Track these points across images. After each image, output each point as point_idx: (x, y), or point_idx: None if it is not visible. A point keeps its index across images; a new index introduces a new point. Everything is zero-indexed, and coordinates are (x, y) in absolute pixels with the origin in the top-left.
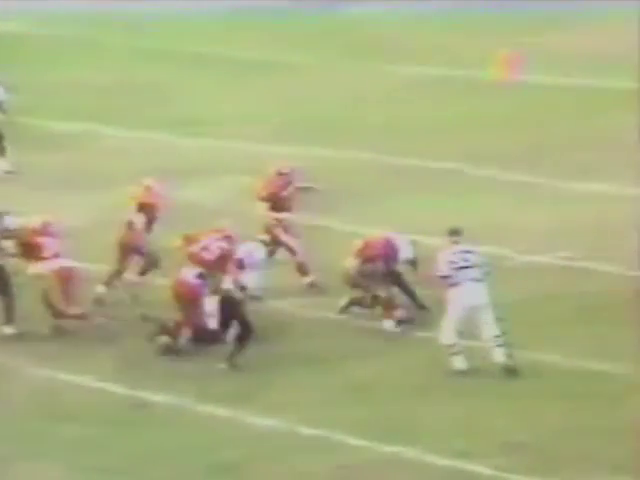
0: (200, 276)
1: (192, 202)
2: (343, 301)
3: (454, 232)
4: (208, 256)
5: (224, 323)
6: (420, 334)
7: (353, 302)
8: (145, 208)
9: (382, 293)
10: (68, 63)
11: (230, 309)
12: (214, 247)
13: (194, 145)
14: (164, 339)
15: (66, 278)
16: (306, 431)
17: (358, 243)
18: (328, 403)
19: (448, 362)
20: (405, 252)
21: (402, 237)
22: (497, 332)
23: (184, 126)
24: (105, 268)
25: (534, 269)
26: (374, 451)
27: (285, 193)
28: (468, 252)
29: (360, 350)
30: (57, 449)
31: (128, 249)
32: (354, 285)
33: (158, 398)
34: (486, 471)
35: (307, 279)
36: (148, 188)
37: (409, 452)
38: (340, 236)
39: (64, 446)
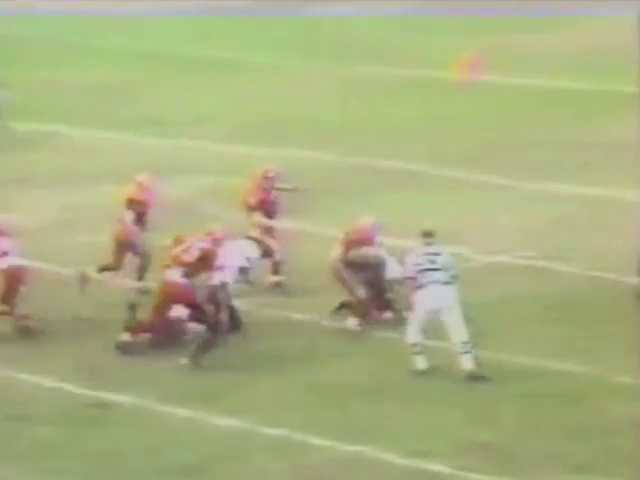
0: (186, 275)
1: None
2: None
3: (427, 234)
4: (187, 258)
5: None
6: (382, 334)
7: (344, 305)
8: (135, 205)
9: (359, 292)
10: (34, 63)
11: (217, 304)
12: (194, 249)
13: (159, 145)
14: (125, 337)
15: (14, 277)
16: (267, 431)
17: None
18: (290, 403)
19: (411, 362)
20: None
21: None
22: (465, 338)
23: (149, 126)
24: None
25: (496, 269)
26: (335, 451)
27: (272, 197)
28: (435, 254)
29: (323, 351)
30: (18, 451)
31: (121, 246)
32: (338, 278)
33: (119, 398)
34: (445, 470)
35: (275, 278)
36: (140, 184)
37: (369, 452)
38: (298, 235)
39: (25, 447)
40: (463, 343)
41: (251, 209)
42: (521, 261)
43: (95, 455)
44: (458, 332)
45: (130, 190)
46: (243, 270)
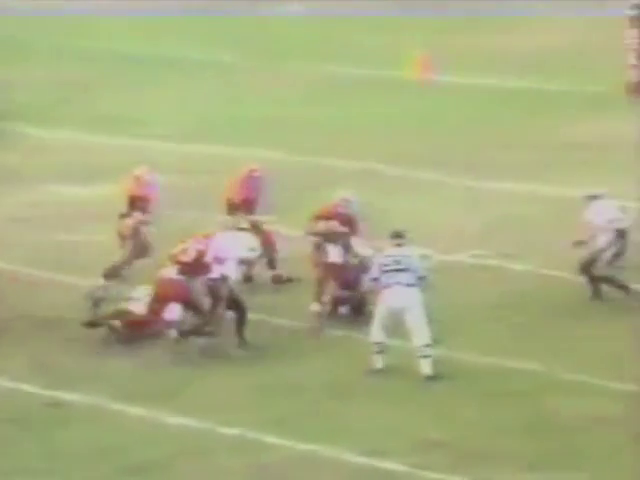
0: (181, 273)
1: (108, 200)
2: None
3: (397, 235)
4: (184, 258)
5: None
6: (340, 333)
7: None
8: (135, 199)
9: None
10: None
11: (218, 297)
12: (192, 250)
13: (117, 143)
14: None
15: None
16: (223, 430)
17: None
18: (245, 402)
19: (369, 361)
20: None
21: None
22: (426, 341)
23: (107, 124)
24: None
25: (448, 268)
26: (292, 450)
27: (256, 196)
28: (401, 256)
29: (279, 349)
30: None
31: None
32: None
33: (75, 397)
34: (401, 468)
35: (271, 272)
36: (138, 179)
37: (326, 450)
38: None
39: None
40: (423, 346)
41: (235, 207)
42: (475, 260)
43: (51, 454)
44: (419, 335)
45: (128, 186)
46: (244, 262)
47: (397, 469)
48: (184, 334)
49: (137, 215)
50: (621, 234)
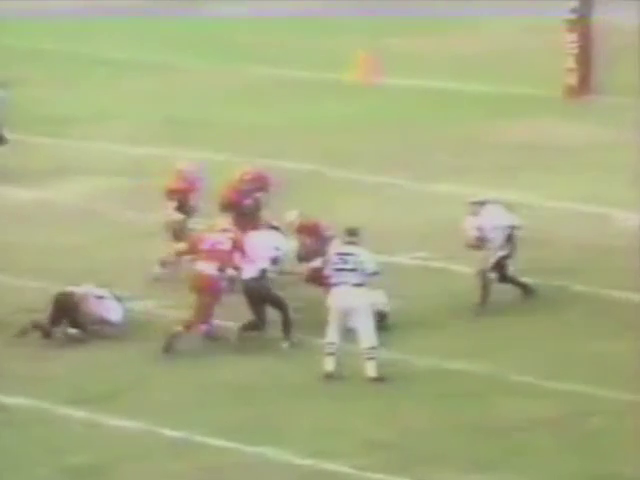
0: (220, 270)
1: (48, 202)
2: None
3: (350, 232)
4: (224, 247)
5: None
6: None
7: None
8: (175, 193)
9: None
10: None
11: (255, 297)
12: (224, 239)
13: (63, 144)
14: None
15: None
16: (169, 433)
17: None
18: (190, 404)
19: (321, 363)
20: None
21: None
22: (372, 343)
23: (53, 125)
24: None
25: (392, 269)
26: (237, 452)
27: (249, 201)
28: (349, 254)
29: (224, 351)
30: None
31: (174, 232)
32: None
33: (17, 401)
34: (347, 470)
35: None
36: (179, 172)
37: (271, 453)
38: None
39: None
40: (369, 349)
41: (224, 209)
42: (419, 262)
43: None
44: (365, 336)
45: (170, 179)
46: (275, 260)
47: (342, 471)
48: (245, 329)
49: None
50: (511, 237)
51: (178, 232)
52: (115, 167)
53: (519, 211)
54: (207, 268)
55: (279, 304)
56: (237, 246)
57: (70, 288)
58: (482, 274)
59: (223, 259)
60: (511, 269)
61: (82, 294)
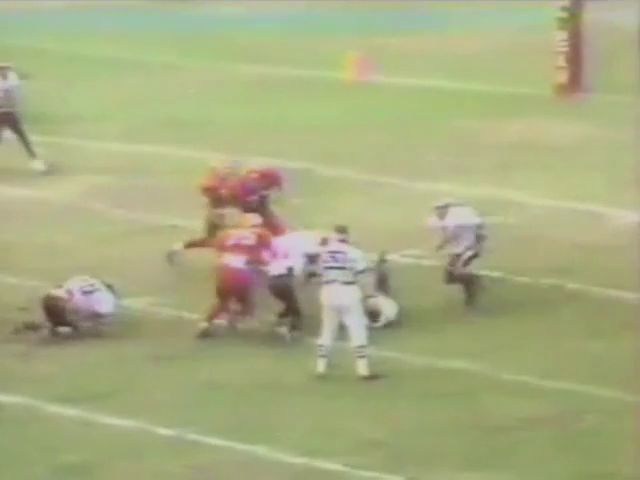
0: (248, 263)
1: (44, 200)
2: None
3: (339, 230)
4: (249, 242)
5: None
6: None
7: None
8: (209, 190)
9: None
10: None
11: (280, 294)
12: (250, 234)
13: (59, 143)
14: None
15: None
16: (161, 431)
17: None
18: (183, 403)
19: (312, 363)
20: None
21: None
22: (362, 341)
23: (49, 124)
24: None
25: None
26: (229, 451)
27: (253, 197)
28: (338, 252)
29: (217, 350)
30: None
31: (213, 226)
32: None
33: (10, 399)
34: (337, 468)
35: None
36: (212, 170)
37: (264, 451)
38: (190, 235)
39: None
40: (359, 347)
41: (228, 203)
42: (410, 260)
43: None
44: (356, 335)
45: (204, 177)
46: (311, 258)
47: (336, 469)
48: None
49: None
50: (479, 237)
51: (215, 228)
52: (112, 166)
53: (512, 209)
54: (233, 261)
55: (294, 308)
56: (263, 242)
57: (54, 291)
58: (456, 276)
59: (249, 253)
60: (469, 269)
61: (67, 296)
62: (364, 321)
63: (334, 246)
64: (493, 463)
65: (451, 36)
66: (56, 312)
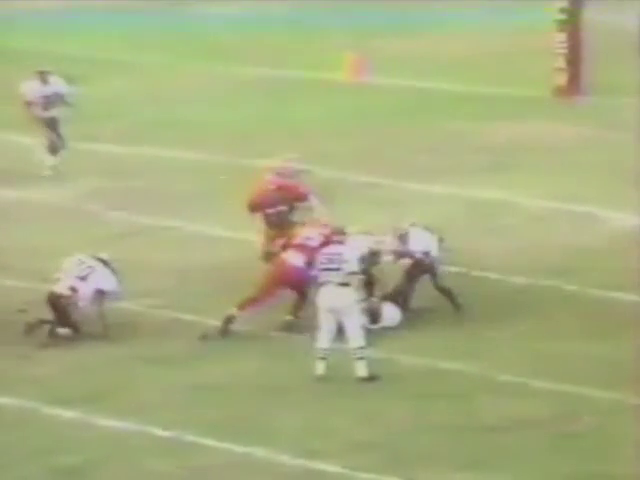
0: (307, 264)
1: (40, 202)
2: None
3: (336, 231)
4: (312, 244)
5: None
6: (276, 335)
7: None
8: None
9: None
10: None
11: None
12: (316, 236)
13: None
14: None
15: None
16: (158, 432)
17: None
18: (180, 404)
19: (310, 364)
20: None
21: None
22: (360, 343)
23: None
24: None
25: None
26: (227, 452)
27: (271, 211)
28: (335, 253)
29: (214, 351)
30: None
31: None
32: None
33: (4, 401)
34: (334, 469)
35: None
36: (278, 173)
37: (261, 452)
38: (187, 237)
39: None
40: (357, 349)
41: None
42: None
43: None
44: (353, 336)
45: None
46: (370, 257)
47: (332, 470)
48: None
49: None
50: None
51: (281, 227)
52: (108, 168)
53: (510, 211)
54: (293, 258)
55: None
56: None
57: (58, 288)
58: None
59: (310, 255)
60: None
61: (71, 293)
62: (362, 322)
63: (332, 247)
64: (490, 464)
65: (448, 37)
66: (60, 309)
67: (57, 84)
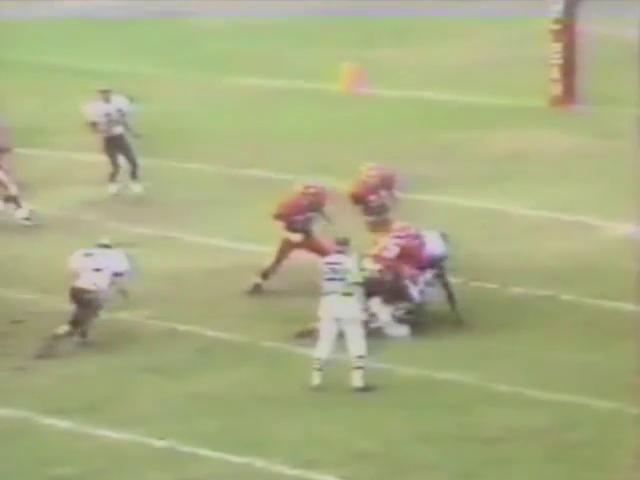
0: (380, 272)
1: (43, 212)
2: None
3: (341, 242)
4: (388, 254)
5: None
6: (272, 345)
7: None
8: (357, 198)
9: None
10: None
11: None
12: (393, 247)
13: (47, 155)
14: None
15: None
16: (155, 443)
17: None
18: (177, 414)
19: (306, 373)
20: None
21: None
22: (361, 352)
23: (36, 136)
24: None
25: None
26: (224, 462)
27: (374, 197)
28: (338, 264)
29: (210, 362)
30: None
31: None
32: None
33: (1, 412)
34: None
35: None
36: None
37: (258, 463)
38: (185, 247)
39: None
40: (357, 357)
41: (354, 203)
42: None
43: None
44: (354, 346)
45: (353, 185)
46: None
47: None
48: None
49: None
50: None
51: (374, 232)
52: (99, 177)
53: (507, 221)
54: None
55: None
56: (406, 254)
57: (81, 283)
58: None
59: (387, 265)
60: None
61: (95, 287)
62: (363, 332)
63: (335, 257)
64: (487, 474)
65: (445, 48)
66: (87, 304)
67: (119, 103)
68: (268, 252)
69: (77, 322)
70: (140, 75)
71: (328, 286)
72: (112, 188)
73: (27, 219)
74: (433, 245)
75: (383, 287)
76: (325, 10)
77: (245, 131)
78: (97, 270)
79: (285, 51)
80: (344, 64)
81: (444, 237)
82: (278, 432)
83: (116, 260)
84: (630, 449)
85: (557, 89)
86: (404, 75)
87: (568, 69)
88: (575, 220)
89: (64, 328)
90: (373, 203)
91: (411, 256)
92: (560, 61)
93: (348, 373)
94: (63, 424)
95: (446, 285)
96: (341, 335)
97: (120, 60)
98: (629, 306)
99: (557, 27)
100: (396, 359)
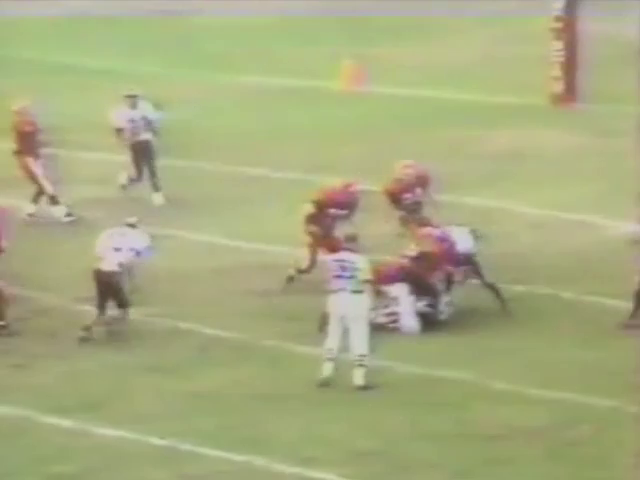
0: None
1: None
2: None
3: (349, 238)
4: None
5: None
6: (272, 343)
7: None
8: (389, 194)
9: None
10: None
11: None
12: (411, 250)
13: (50, 154)
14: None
15: None
16: (154, 441)
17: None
18: (177, 412)
19: (306, 371)
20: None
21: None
22: (363, 351)
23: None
24: None
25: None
26: (224, 461)
27: (409, 195)
28: (346, 261)
29: (211, 360)
30: None
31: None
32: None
33: (1, 410)
34: (331, 477)
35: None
36: (395, 174)
37: (258, 461)
38: (186, 245)
39: None
40: (360, 356)
41: (389, 202)
42: None
43: None
44: (358, 344)
45: (386, 182)
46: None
47: (328, 478)
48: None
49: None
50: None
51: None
52: (109, 176)
53: (507, 219)
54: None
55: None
56: (429, 258)
57: (104, 266)
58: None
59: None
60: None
61: (120, 269)
62: (367, 330)
63: (343, 255)
64: (487, 472)
65: (446, 46)
66: (114, 286)
67: (145, 109)
68: (268, 251)
69: (103, 305)
70: (142, 74)
71: (336, 283)
72: (122, 178)
73: (68, 215)
74: (461, 242)
75: (417, 277)
76: (325, 8)
77: (245, 129)
78: (117, 249)
79: (286, 49)
80: (344, 62)
81: (474, 233)
82: (278, 430)
83: (137, 238)
84: (629, 447)
85: (558, 87)
86: (404, 74)
87: (569, 67)
88: (576, 218)
89: (91, 315)
90: (408, 200)
91: (431, 262)
92: (561, 59)
93: (348, 371)
94: (63, 422)
95: (483, 279)
96: (344, 332)
97: (121, 58)
98: (629, 304)
99: (558, 25)
100: (396, 356)
